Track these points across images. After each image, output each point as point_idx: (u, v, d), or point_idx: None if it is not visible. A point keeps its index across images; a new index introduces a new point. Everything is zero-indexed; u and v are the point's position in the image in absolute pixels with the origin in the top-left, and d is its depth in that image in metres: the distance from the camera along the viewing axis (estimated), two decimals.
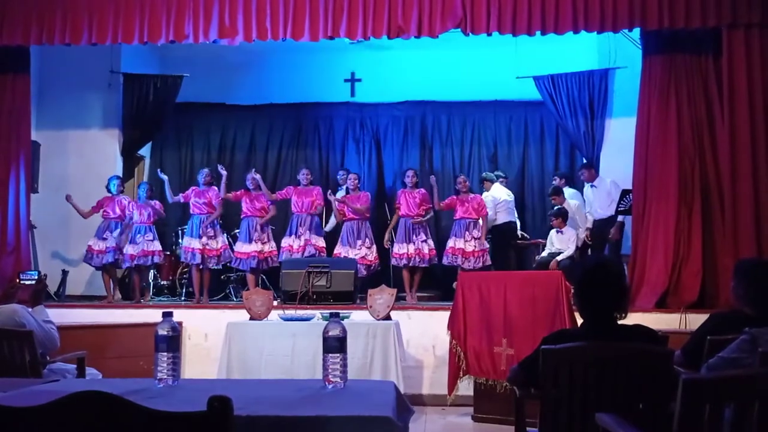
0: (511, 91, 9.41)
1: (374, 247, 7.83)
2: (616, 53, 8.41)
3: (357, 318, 5.84)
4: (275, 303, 6.30)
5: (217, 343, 5.98)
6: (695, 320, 5.56)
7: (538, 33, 6.67)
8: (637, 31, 7.15)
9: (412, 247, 7.62)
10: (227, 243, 7.99)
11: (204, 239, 7.68)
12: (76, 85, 8.87)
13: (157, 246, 7.78)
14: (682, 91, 6.83)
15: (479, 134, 10.05)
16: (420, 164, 9.94)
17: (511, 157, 9.97)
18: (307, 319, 5.77)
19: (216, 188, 7.90)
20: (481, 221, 7.78)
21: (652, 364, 2.57)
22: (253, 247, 7.75)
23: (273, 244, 7.96)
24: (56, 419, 1.43)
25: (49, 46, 7.22)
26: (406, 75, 9.77)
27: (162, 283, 8.60)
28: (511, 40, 7.13)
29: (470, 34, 6.71)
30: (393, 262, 7.75)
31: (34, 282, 4.59)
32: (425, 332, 6.35)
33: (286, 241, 7.88)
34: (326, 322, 2.43)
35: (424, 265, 7.66)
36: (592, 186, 8.11)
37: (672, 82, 6.85)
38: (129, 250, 7.67)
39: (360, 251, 7.66)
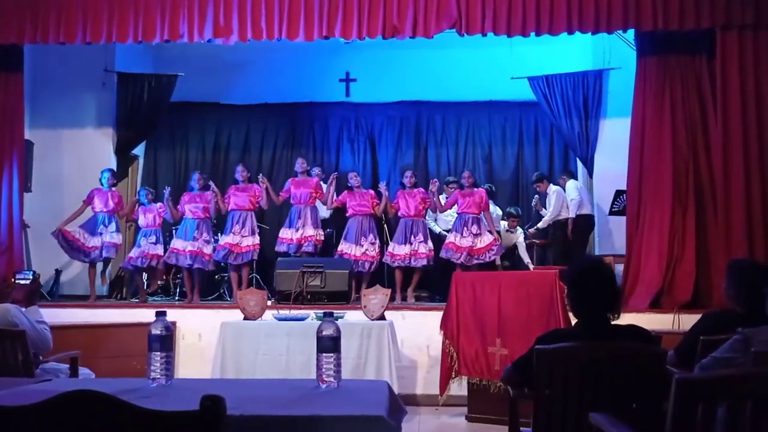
0: (505, 92, 9.41)
1: (377, 243, 7.79)
2: (611, 54, 8.44)
3: (351, 318, 5.84)
4: (269, 303, 6.30)
5: (211, 343, 5.97)
6: (688, 320, 5.56)
7: (532, 34, 6.68)
8: (631, 32, 7.17)
9: (408, 248, 7.57)
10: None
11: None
12: (70, 84, 8.84)
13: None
14: (676, 91, 6.85)
15: (474, 134, 10.07)
16: (414, 164, 9.93)
17: (505, 157, 9.98)
18: (302, 319, 5.76)
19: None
20: (484, 217, 7.68)
21: (646, 364, 2.58)
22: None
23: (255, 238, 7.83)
24: (48, 419, 1.43)
25: (43, 44, 7.18)
26: (401, 75, 9.76)
27: (157, 282, 8.56)
28: (506, 40, 7.15)
29: (465, 34, 6.72)
30: (387, 260, 7.70)
31: (28, 282, 4.57)
32: (419, 332, 6.34)
33: (285, 233, 7.82)
34: (320, 321, 2.42)
35: (421, 265, 7.57)
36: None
37: (666, 82, 6.87)
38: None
39: (363, 247, 7.64)
